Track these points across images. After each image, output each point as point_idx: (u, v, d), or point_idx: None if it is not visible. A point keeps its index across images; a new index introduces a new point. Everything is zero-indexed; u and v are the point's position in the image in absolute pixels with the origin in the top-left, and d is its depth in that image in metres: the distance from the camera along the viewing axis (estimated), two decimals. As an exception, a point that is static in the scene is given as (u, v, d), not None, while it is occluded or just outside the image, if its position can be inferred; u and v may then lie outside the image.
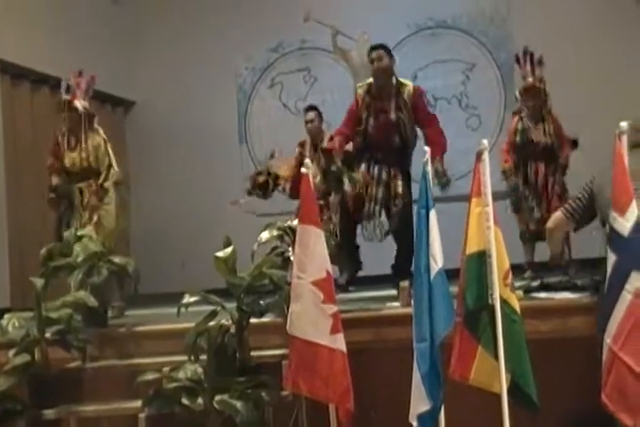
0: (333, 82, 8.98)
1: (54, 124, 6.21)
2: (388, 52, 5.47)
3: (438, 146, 5.13)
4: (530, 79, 5.83)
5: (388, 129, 5.39)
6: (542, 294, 4.78)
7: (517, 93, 5.99)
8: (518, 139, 5.85)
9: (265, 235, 4.66)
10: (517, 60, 6.00)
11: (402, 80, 5.50)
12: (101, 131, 6.05)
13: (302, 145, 6.61)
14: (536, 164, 5.81)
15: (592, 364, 3.65)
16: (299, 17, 8.97)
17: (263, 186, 6.43)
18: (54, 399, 4.40)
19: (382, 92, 5.40)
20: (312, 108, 6.67)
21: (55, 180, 5.94)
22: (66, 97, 5.90)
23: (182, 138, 9.15)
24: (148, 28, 9.36)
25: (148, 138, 9.28)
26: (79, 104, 5.91)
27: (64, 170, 5.92)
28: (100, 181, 5.87)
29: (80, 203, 5.85)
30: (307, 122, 6.56)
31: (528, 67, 5.86)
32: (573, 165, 5.95)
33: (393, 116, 5.36)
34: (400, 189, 5.37)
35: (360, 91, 5.48)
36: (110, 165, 5.94)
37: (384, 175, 5.40)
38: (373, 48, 5.47)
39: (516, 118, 5.94)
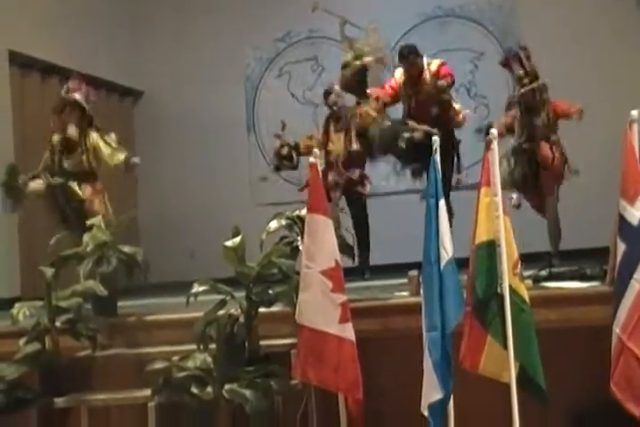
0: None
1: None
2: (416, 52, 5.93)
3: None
4: (525, 80, 5.87)
5: (426, 102, 5.86)
6: (551, 284, 4.77)
7: (514, 93, 6.03)
8: (519, 129, 5.90)
9: (274, 224, 4.67)
10: (505, 65, 5.99)
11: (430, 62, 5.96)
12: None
13: (328, 119, 6.76)
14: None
15: (601, 353, 3.65)
16: (306, 6, 8.92)
17: (289, 157, 6.51)
18: (65, 388, 4.44)
19: (413, 78, 5.93)
20: (329, 92, 6.80)
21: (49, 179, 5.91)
22: (66, 95, 5.90)
23: (190, 127, 9.15)
24: (156, 18, 9.35)
25: (157, 127, 9.29)
26: (80, 97, 5.89)
27: (62, 170, 5.91)
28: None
29: (78, 203, 5.84)
30: (330, 105, 6.71)
31: (519, 68, 5.90)
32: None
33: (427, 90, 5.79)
34: None
35: (397, 74, 6.03)
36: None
37: None
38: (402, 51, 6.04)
39: (515, 109, 5.98)
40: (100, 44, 8.54)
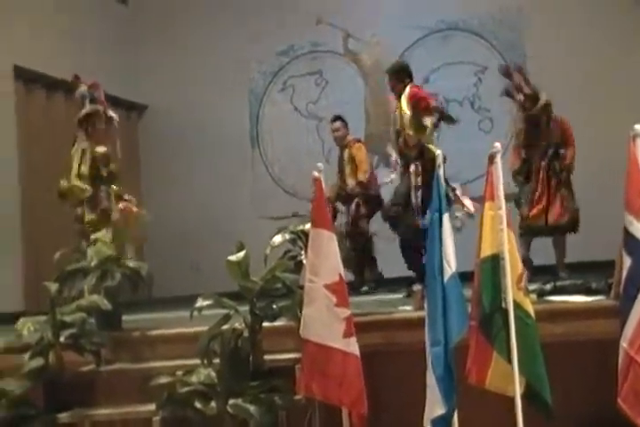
0: (344, 84, 8.99)
1: (68, 129, 6.08)
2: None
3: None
4: (526, 89, 5.95)
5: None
6: (556, 298, 4.76)
7: (518, 102, 6.08)
8: (523, 141, 5.98)
9: (278, 238, 4.67)
10: (507, 76, 6.09)
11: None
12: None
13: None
14: (539, 164, 5.92)
15: (607, 367, 3.63)
16: (309, 20, 8.98)
17: None
18: (68, 403, 4.42)
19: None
20: (338, 117, 6.97)
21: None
22: (95, 107, 5.70)
23: (194, 141, 9.18)
24: (161, 33, 9.39)
25: (161, 142, 9.32)
26: (114, 114, 5.82)
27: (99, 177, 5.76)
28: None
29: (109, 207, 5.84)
30: (333, 131, 6.92)
31: (521, 79, 5.98)
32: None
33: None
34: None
35: None
36: None
37: None
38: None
39: (521, 121, 6.05)
40: (104, 58, 8.59)
